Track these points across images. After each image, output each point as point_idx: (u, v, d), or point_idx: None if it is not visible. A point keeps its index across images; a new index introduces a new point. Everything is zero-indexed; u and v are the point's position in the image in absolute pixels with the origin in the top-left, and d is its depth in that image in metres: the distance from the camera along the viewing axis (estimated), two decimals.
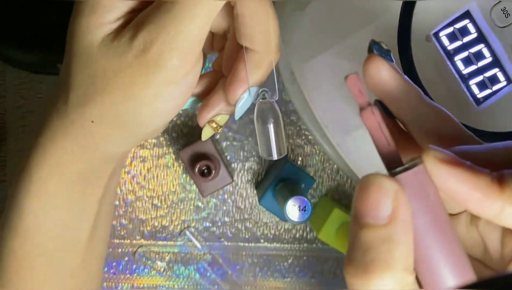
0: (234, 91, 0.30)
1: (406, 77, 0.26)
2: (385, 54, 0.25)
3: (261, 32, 0.29)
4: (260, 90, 0.30)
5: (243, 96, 0.30)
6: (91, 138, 0.31)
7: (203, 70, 0.35)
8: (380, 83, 0.25)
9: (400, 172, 0.21)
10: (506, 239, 0.23)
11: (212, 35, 0.34)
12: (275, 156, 0.30)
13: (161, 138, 0.51)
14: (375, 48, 0.26)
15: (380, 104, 0.26)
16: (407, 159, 0.23)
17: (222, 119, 0.32)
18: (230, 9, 0.31)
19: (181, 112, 0.51)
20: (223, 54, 0.33)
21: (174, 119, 0.51)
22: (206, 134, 0.32)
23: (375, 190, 0.20)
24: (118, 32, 0.29)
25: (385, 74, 0.25)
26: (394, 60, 0.26)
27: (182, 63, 0.28)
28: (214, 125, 0.32)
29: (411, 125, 0.26)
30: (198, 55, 0.29)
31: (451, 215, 0.24)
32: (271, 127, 0.30)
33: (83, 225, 0.35)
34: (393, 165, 0.21)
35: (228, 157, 0.52)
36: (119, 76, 0.28)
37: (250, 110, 0.52)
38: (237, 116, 0.31)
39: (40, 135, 0.32)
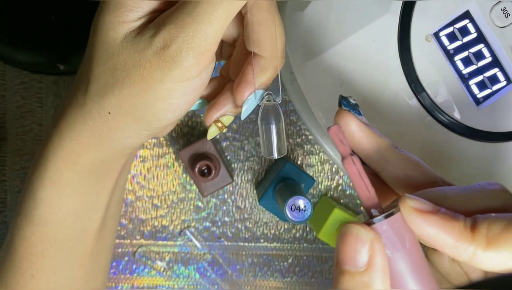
0: (241, 92, 0.32)
1: (375, 129, 0.28)
2: (353, 109, 0.27)
3: (268, 39, 0.31)
4: (265, 93, 0.32)
5: (250, 98, 0.32)
6: (106, 129, 0.32)
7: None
8: (349, 135, 0.27)
9: (379, 220, 0.23)
10: (489, 274, 0.24)
11: (221, 43, 0.35)
12: (275, 155, 0.32)
13: (161, 138, 0.51)
14: (343, 104, 0.27)
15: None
16: (384, 204, 0.25)
17: (227, 119, 0.34)
18: (240, 19, 0.33)
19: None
20: (231, 60, 0.34)
21: None
22: (211, 133, 0.34)
23: (352, 240, 0.22)
24: (140, 30, 0.30)
25: (354, 127, 0.27)
26: (362, 113, 0.28)
27: (198, 62, 0.30)
28: (219, 124, 0.34)
29: (382, 173, 0.28)
30: (212, 55, 0.31)
31: (435, 250, 0.25)
32: (273, 128, 0.32)
33: (94, 216, 0.36)
34: (373, 212, 0.23)
35: (228, 157, 0.52)
36: (139, 70, 0.30)
37: (253, 110, 0.52)
38: (243, 117, 0.32)
39: (57, 125, 0.33)
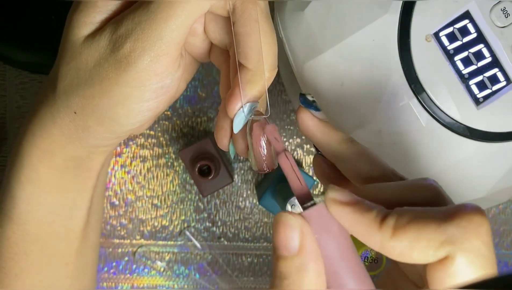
0: (230, 106, 0.30)
1: (329, 125, 0.30)
2: (310, 105, 0.31)
3: (255, 51, 0.30)
4: (253, 107, 0.31)
5: (240, 112, 0.30)
6: (74, 128, 0.32)
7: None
8: (306, 129, 0.30)
9: (308, 207, 0.25)
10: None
11: (210, 45, 0.34)
12: (266, 168, 0.31)
13: (161, 138, 0.51)
14: (301, 101, 0.31)
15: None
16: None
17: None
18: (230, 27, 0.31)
19: (181, 111, 0.51)
20: (230, 69, 0.33)
21: (174, 119, 0.51)
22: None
23: (283, 227, 0.24)
24: (102, 27, 0.30)
25: (309, 122, 0.30)
26: (320, 109, 0.31)
27: (154, 65, 0.28)
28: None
29: (338, 165, 0.30)
30: (173, 59, 0.29)
31: None
32: (262, 142, 0.30)
33: (77, 213, 0.36)
34: (305, 201, 0.25)
35: (228, 157, 0.52)
36: (98, 69, 0.29)
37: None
38: (235, 130, 0.31)
39: (30, 122, 0.33)
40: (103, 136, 0.32)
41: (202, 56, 0.34)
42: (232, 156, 0.33)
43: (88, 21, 0.30)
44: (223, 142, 0.32)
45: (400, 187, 0.26)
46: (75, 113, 0.31)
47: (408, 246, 0.23)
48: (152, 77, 0.29)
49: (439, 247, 0.22)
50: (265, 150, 0.31)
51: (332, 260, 0.24)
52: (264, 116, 0.31)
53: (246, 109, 0.30)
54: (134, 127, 0.32)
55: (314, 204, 0.25)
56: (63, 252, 0.36)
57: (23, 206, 0.34)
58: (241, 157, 0.52)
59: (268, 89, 0.51)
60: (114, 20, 0.29)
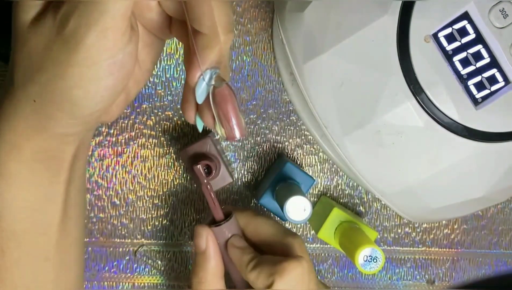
0: (189, 75, 0.30)
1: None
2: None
3: (207, 14, 0.29)
4: (214, 73, 0.30)
5: (200, 80, 0.30)
6: (37, 118, 0.31)
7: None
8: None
9: (217, 225, 0.41)
10: None
11: (169, 19, 0.33)
12: (237, 136, 0.30)
13: (162, 138, 0.52)
14: None
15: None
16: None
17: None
18: None
19: (181, 112, 0.51)
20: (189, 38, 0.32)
21: (175, 119, 0.52)
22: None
23: (197, 235, 0.41)
24: (46, 9, 0.29)
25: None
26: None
27: (102, 40, 0.28)
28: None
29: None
30: (121, 32, 0.28)
31: None
32: (229, 108, 0.30)
33: (51, 207, 0.35)
34: (216, 221, 0.41)
35: (228, 157, 0.52)
36: (48, 53, 0.28)
37: (251, 110, 0.52)
38: (199, 100, 0.30)
39: None
40: (66, 123, 0.31)
41: (162, 31, 0.33)
42: (200, 129, 0.32)
43: (30, 3, 0.29)
44: (189, 115, 0.32)
45: (275, 239, 0.41)
46: (34, 101, 0.30)
47: (255, 277, 0.39)
48: (102, 53, 0.28)
49: (269, 277, 0.38)
50: (232, 116, 0.30)
51: (225, 258, 0.41)
52: (225, 82, 0.30)
53: (206, 76, 0.29)
54: (95, 110, 0.31)
55: (221, 223, 0.40)
56: (41, 247, 0.36)
57: None
58: (241, 157, 0.52)
59: (268, 89, 0.51)
60: (57, 0, 0.28)
